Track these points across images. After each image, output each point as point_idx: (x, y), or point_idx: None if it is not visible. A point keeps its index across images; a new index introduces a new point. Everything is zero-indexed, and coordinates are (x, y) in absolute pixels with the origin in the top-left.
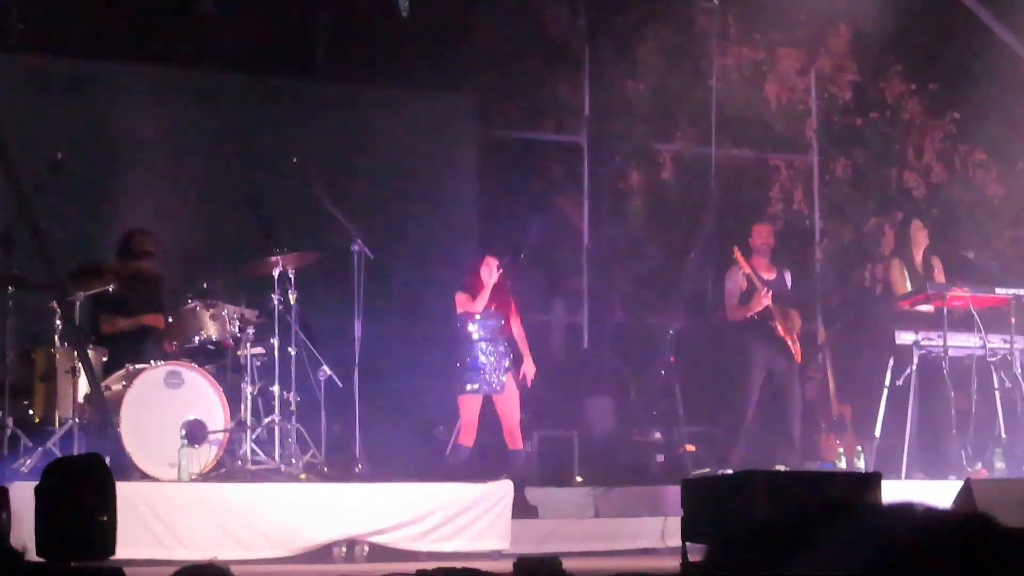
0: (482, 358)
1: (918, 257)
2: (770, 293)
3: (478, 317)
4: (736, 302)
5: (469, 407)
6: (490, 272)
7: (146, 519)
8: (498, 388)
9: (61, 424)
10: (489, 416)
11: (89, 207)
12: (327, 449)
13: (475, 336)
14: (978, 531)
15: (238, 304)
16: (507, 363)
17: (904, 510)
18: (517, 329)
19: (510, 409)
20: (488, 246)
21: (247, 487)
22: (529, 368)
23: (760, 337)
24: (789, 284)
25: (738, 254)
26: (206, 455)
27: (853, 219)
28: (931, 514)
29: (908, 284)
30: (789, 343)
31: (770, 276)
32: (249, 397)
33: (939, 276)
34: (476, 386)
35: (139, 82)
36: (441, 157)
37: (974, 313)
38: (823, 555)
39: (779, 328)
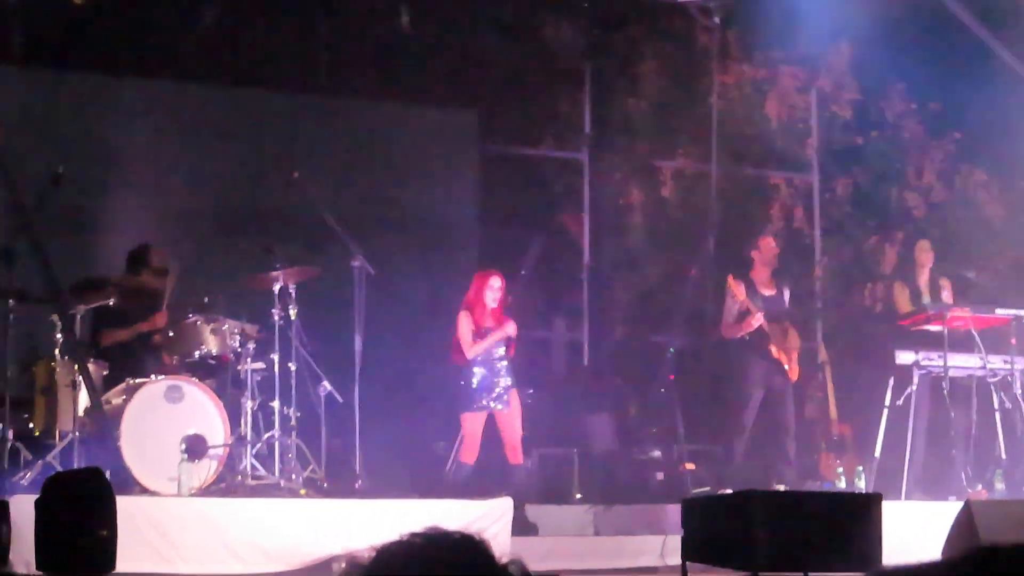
0: (484, 376)
1: (923, 277)
2: (761, 314)
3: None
4: (732, 320)
5: (472, 425)
6: (494, 294)
7: (146, 533)
8: (501, 406)
9: (61, 438)
10: (489, 433)
11: (90, 221)
12: (327, 464)
13: (478, 358)
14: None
15: (239, 319)
16: (510, 380)
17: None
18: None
19: (512, 426)
20: (491, 261)
21: (247, 502)
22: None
23: (756, 356)
24: (787, 301)
25: (731, 282)
26: (206, 470)
27: (853, 238)
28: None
29: (911, 305)
30: (785, 362)
31: (770, 292)
32: (249, 412)
33: (948, 297)
34: (479, 404)
35: (141, 96)
36: (442, 172)
37: (975, 333)
38: None
39: (773, 349)
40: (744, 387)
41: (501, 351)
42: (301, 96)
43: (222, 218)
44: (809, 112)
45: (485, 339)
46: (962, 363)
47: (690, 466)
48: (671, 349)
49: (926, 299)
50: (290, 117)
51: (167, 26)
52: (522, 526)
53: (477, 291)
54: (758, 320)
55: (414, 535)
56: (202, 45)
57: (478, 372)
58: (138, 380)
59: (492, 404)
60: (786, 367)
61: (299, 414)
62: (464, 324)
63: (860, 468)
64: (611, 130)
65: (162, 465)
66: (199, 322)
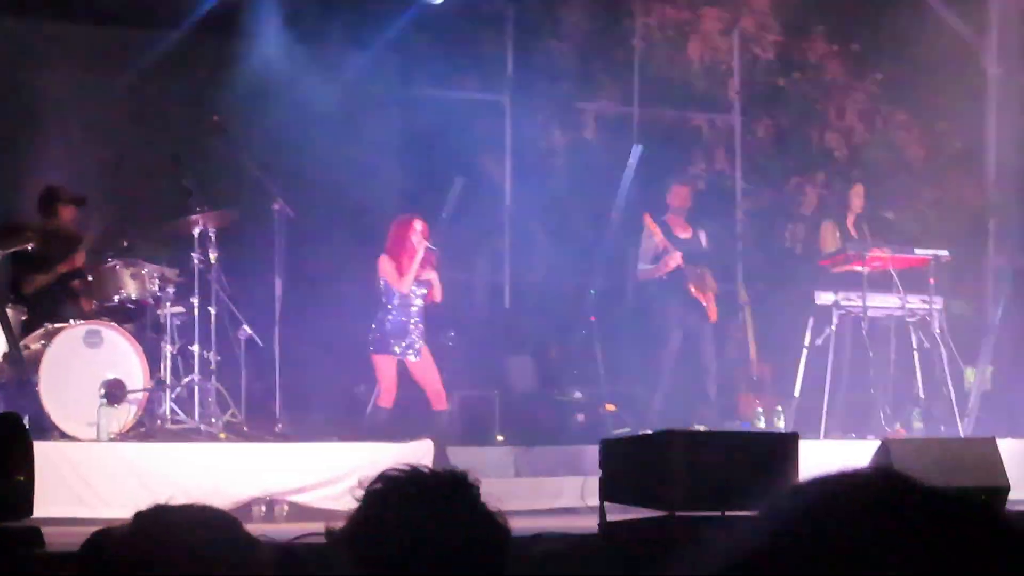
0: (393, 322)
1: (850, 220)
2: (680, 255)
3: (383, 283)
4: (648, 263)
5: (384, 369)
6: (418, 238)
7: (66, 478)
8: (412, 356)
9: None
10: (409, 377)
11: (6, 166)
12: (247, 408)
13: (392, 301)
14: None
15: (158, 263)
16: (421, 328)
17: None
18: (438, 295)
19: (428, 376)
20: (412, 204)
21: (167, 446)
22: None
23: (674, 297)
24: (704, 244)
25: (648, 219)
26: (125, 414)
27: (774, 179)
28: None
29: (839, 244)
30: (703, 303)
31: (686, 235)
32: (169, 356)
33: (868, 239)
34: (388, 347)
35: (56, 39)
36: (362, 114)
37: (893, 273)
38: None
39: (692, 288)
40: (663, 329)
41: (420, 300)
42: (221, 38)
43: (141, 162)
44: (731, 54)
45: (407, 272)
46: (881, 303)
47: (611, 407)
48: (592, 291)
49: (851, 240)
50: (212, 60)
51: None
52: (443, 468)
53: (400, 236)
54: (676, 260)
55: (398, 471)
56: None
57: (391, 316)
58: (57, 325)
59: (402, 352)
60: (705, 308)
61: (219, 358)
62: (386, 265)
63: (779, 408)
64: (533, 72)
65: (81, 410)
66: (118, 266)
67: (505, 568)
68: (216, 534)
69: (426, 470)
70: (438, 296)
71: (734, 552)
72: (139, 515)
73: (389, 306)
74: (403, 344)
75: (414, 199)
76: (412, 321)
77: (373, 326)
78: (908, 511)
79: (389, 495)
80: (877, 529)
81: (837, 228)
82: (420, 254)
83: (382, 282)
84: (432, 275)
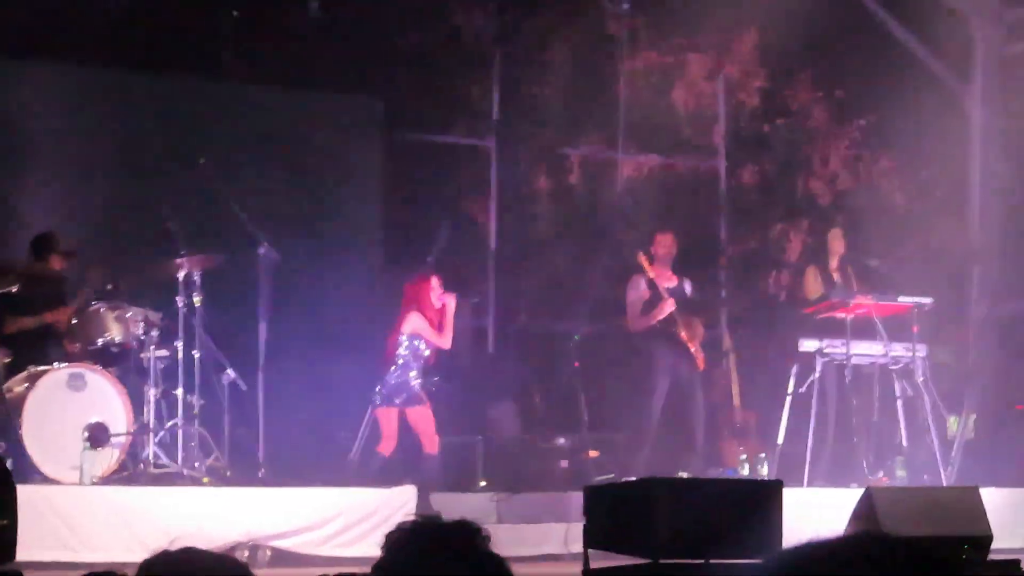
0: (398, 376)
1: (833, 265)
2: (672, 300)
3: (407, 340)
4: (639, 312)
5: (386, 420)
6: (437, 295)
7: (50, 522)
8: (415, 402)
9: None
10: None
11: None
12: (230, 453)
13: (403, 355)
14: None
15: (143, 306)
16: (419, 379)
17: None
18: (447, 345)
19: (424, 421)
20: (397, 249)
21: (150, 490)
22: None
23: (664, 344)
24: (689, 292)
25: (643, 258)
26: (108, 458)
27: (759, 225)
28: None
29: (821, 290)
30: (692, 350)
31: (671, 284)
32: (152, 400)
33: (854, 285)
34: (392, 403)
35: (41, 79)
36: (349, 159)
37: (877, 321)
38: None
39: (683, 334)
40: (651, 376)
41: (426, 353)
42: (208, 82)
43: (127, 205)
44: (716, 99)
45: (447, 327)
46: (865, 351)
47: (594, 454)
48: (576, 336)
49: (835, 286)
50: (196, 103)
51: (73, 9)
52: (426, 514)
53: (423, 295)
54: (670, 306)
55: (414, 521)
56: (107, 29)
57: (396, 371)
58: (40, 368)
59: (404, 403)
60: (694, 354)
61: (202, 402)
62: (418, 322)
63: (763, 455)
64: (519, 117)
65: (64, 453)
66: (102, 309)
67: None
68: None
69: (438, 518)
70: (447, 346)
71: None
72: (147, 563)
73: (400, 361)
74: (405, 396)
75: (399, 244)
76: (413, 373)
77: (379, 387)
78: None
79: (406, 544)
80: None
81: (820, 274)
82: (452, 307)
83: (404, 339)
84: (449, 326)
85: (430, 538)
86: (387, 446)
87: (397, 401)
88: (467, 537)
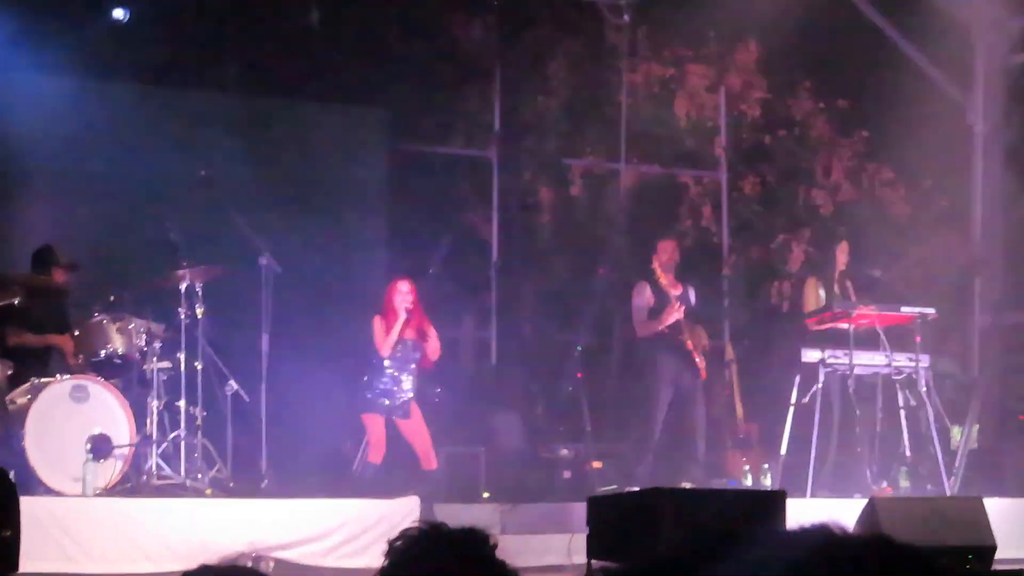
0: (385, 383)
1: (837, 277)
2: (683, 307)
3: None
4: (645, 318)
5: (373, 426)
6: (402, 298)
7: (53, 533)
8: (401, 414)
9: None
10: (397, 432)
11: None
12: (233, 464)
13: (386, 363)
14: (880, 551)
15: (145, 318)
16: (411, 391)
17: (808, 533)
18: (434, 354)
19: (417, 434)
20: (397, 268)
21: (153, 502)
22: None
23: (667, 353)
24: (693, 300)
25: (656, 265)
26: (111, 470)
27: (761, 236)
28: (834, 536)
29: (822, 303)
30: (696, 359)
31: (676, 292)
32: (155, 411)
33: (852, 295)
34: (378, 407)
35: (44, 92)
36: (350, 170)
37: (880, 331)
38: None
39: (689, 343)
40: (655, 385)
41: (414, 364)
42: (210, 94)
43: (128, 216)
44: (717, 111)
45: (391, 334)
46: (868, 361)
47: (597, 464)
48: (578, 347)
49: (836, 296)
50: (198, 115)
51: (75, 22)
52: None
53: (388, 298)
54: (679, 312)
55: (419, 528)
56: (109, 42)
57: (383, 377)
58: (43, 379)
59: (390, 411)
60: (698, 364)
61: (205, 413)
62: (377, 326)
63: (766, 466)
64: (520, 128)
65: (67, 465)
66: (105, 321)
67: None
68: None
69: (444, 526)
70: (434, 354)
71: None
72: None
73: (384, 367)
74: (391, 403)
75: (401, 255)
76: (403, 382)
77: (365, 378)
78: (894, 572)
79: (411, 551)
80: None
81: (821, 285)
82: (403, 316)
83: (374, 343)
84: (432, 333)
85: (438, 545)
86: (375, 454)
87: (383, 408)
88: (476, 545)
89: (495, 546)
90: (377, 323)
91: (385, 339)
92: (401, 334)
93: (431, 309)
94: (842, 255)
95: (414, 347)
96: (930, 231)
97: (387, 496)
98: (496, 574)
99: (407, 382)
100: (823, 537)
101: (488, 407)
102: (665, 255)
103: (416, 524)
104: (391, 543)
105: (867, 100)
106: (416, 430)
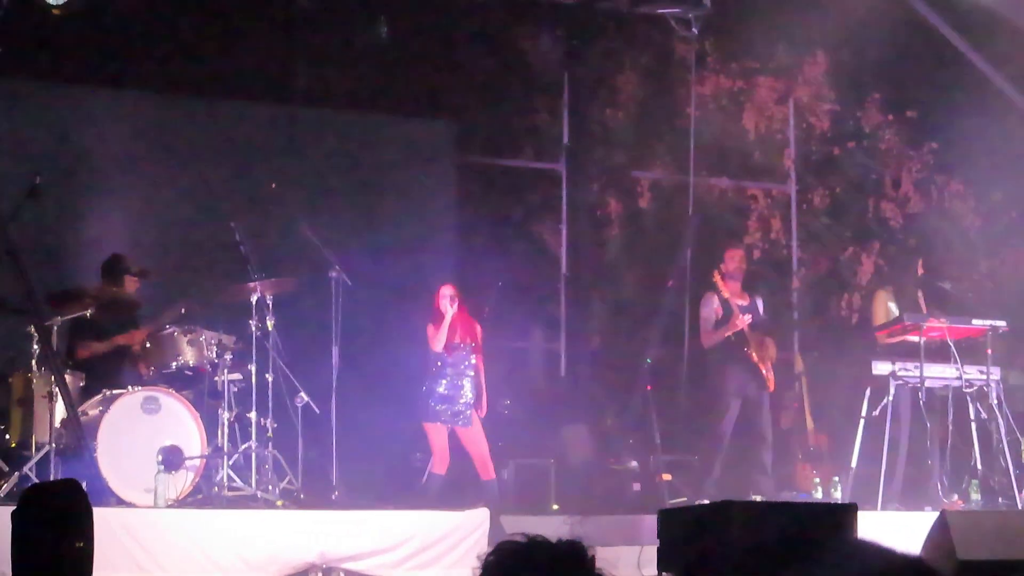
0: (444, 390)
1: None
2: (748, 317)
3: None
4: (711, 328)
5: (436, 436)
6: (445, 302)
7: (125, 544)
8: (462, 422)
9: (38, 449)
10: (462, 444)
11: (66, 231)
12: (304, 475)
13: (440, 368)
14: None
15: (216, 330)
16: (471, 397)
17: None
18: (478, 363)
19: (476, 443)
20: (468, 273)
21: (224, 513)
22: (480, 410)
23: (733, 364)
24: (762, 311)
25: (717, 276)
26: (182, 481)
27: (830, 248)
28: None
29: (892, 315)
30: (763, 371)
31: (743, 302)
32: (226, 423)
33: (923, 308)
34: (439, 415)
35: (117, 107)
36: (419, 184)
37: (951, 344)
38: None
39: (753, 355)
40: (722, 397)
41: (471, 371)
42: (279, 107)
43: (199, 230)
44: (786, 123)
45: (440, 330)
46: (938, 374)
47: (667, 477)
48: (648, 359)
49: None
50: (267, 128)
51: (144, 36)
52: (499, 537)
53: (435, 303)
54: (743, 322)
55: (518, 540)
56: (179, 55)
57: (441, 383)
58: (115, 391)
59: (451, 420)
60: (765, 376)
61: (276, 425)
62: (429, 332)
63: (836, 479)
64: (589, 141)
65: (139, 476)
66: (176, 333)
67: None
68: None
69: (543, 540)
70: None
71: None
72: None
73: (441, 375)
74: (451, 412)
75: (470, 268)
76: (463, 389)
77: (424, 388)
78: None
79: (508, 564)
80: None
81: (891, 297)
82: (448, 316)
83: (429, 350)
84: (478, 332)
85: (541, 560)
86: (439, 464)
87: (443, 417)
88: (579, 560)
89: (593, 558)
90: (430, 329)
91: (435, 337)
92: (451, 338)
93: (500, 321)
94: (920, 270)
95: (468, 350)
96: (1000, 243)
97: (457, 508)
98: None
99: (467, 387)
100: (904, 560)
101: (558, 419)
102: (733, 263)
103: (513, 537)
104: (486, 558)
105: (936, 112)
106: (475, 439)
